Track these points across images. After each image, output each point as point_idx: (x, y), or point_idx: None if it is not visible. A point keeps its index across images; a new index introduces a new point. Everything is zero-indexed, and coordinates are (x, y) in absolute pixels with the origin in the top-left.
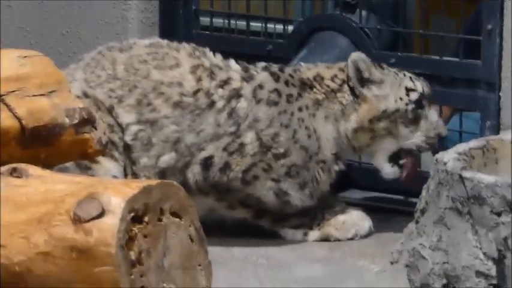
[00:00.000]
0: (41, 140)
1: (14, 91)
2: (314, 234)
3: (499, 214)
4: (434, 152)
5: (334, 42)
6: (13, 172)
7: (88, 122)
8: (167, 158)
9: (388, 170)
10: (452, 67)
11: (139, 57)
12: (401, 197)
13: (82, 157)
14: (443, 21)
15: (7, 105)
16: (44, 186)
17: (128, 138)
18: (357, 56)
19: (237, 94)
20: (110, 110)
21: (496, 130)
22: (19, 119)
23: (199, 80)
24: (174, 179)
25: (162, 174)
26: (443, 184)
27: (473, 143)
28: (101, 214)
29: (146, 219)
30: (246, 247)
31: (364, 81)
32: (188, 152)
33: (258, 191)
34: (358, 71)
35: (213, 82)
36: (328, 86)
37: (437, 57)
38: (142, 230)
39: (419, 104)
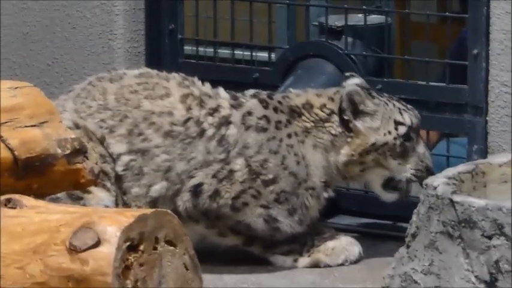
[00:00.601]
0: (34, 170)
1: (6, 122)
2: (304, 260)
3: (490, 237)
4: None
5: (321, 69)
6: (7, 203)
7: (80, 152)
8: (158, 187)
9: (386, 197)
10: (439, 92)
11: (130, 88)
12: (390, 222)
13: (74, 187)
14: (425, 47)
15: (0, 137)
16: (39, 217)
17: (119, 169)
18: (352, 88)
19: (226, 121)
20: (101, 141)
21: (483, 154)
22: (12, 150)
23: (189, 109)
24: (165, 207)
25: (153, 203)
26: (434, 208)
27: (462, 167)
28: (97, 243)
29: (142, 248)
30: (237, 274)
31: (358, 114)
32: (178, 179)
33: (247, 217)
34: (353, 104)
35: (202, 110)
36: (316, 115)
37: (424, 83)
38: (138, 259)
39: (407, 137)
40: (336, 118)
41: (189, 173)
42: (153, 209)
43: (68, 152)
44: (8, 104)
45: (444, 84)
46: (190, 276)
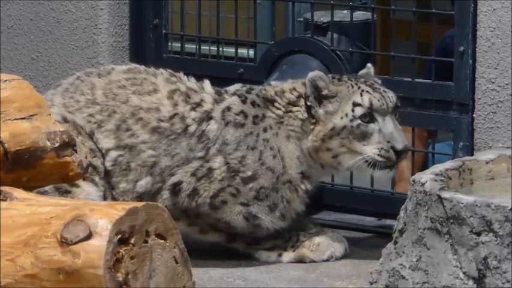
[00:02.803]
0: (23, 163)
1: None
2: (288, 255)
3: (478, 234)
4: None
5: (306, 65)
6: None
7: (69, 145)
8: (144, 183)
9: (377, 175)
10: (425, 89)
11: (118, 83)
12: (375, 218)
13: (63, 180)
14: (404, 44)
15: None
16: (29, 209)
17: (107, 164)
18: (315, 74)
19: (207, 116)
20: (91, 135)
21: (469, 151)
22: (2, 143)
23: (175, 104)
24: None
25: (140, 198)
26: (422, 205)
27: (449, 164)
28: (88, 236)
29: (132, 241)
30: (223, 268)
31: (321, 100)
32: (160, 176)
33: (227, 215)
34: (317, 89)
35: (187, 106)
36: (287, 99)
37: (410, 79)
38: (128, 252)
39: (367, 118)
40: (303, 102)
41: (171, 170)
42: (144, 203)
43: (56, 145)
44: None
45: (430, 81)
46: (180, 270)
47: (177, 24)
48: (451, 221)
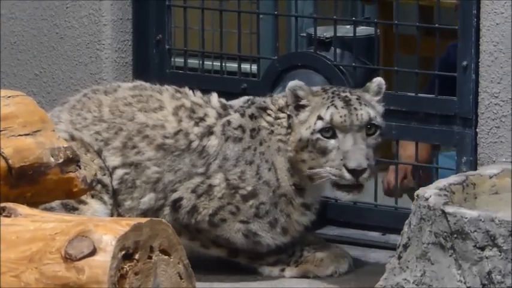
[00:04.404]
0: (27, 179)
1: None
2: (291, 270)
3: (482, 248)
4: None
5: (309, 80)
6: (2, 211)
7: (72, 161)
8: (147, 199)
9: (338, 195)
10: (428, 103)
11: (124, 100)
12: (379, 233)
13: (67, 196)
14: (407, 59)
15: None
16: (34, 225)
17: (114, 183)
18: (295, 83)
19: (209, 131)
20: (99, 153)
21: (472, 166)
22: (6, 159)
23: (180, 121)
24: None
25: (144, 215)
26: (426, 219)
27: (453, 179)
28: (93, 252)
29: (137, 256)
30: (227, 283)
31: (299, 109)
32: (163, 192)
33: (226, 233)
34: (297, 98)
35: (191, 122)
36: (278, 105)
37: (413, 94)
38: (133, 268)
39: (328, 133)
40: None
41: (173, 185)
42: (148, 218)
43: (60, 160)
44: (1, 112)
45: (433, 95)
46: (184, 286)
47: (180, 40)
48: (455, 235)
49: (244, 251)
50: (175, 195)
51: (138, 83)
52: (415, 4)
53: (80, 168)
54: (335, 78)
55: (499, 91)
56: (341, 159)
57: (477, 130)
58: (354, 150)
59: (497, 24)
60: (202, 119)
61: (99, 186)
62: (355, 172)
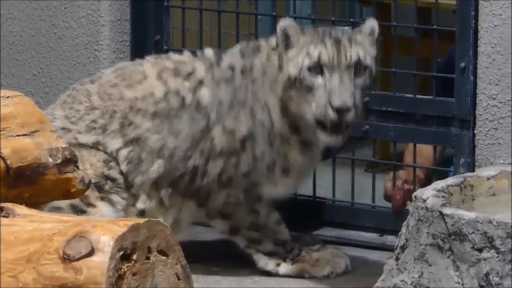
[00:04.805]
0: (25, 179)
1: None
2: (287, 267)
3: (480, 250)
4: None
5: None
6: (0, 212)
7: (70, 161)
8: (156, 167)
9: (321, 137)
10: (426, 105)
11: (110, 83)
12: (376, 234)
13: (65, 196)
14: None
15: None
16: (32, 225)
17: (122, 166)
18: (285, 22)
19: (200, 83)
20: (96, 146)
21: (470, 167)
22: (4, 159)
23: (165, 82)
24: (166, 188)
25: (155, 185)
26: (423, 221)
27: (451, 180)
28: (90, 253)
29: (135, 257)
30: (223, 284)
31: (288, 48)
32: (171, 158)
33: (232, 191)
34: (287, 37)
35: (178, 78)
36: (271, 44)
37: (411, 95)
38: (131, 268)
39: (315, 71)
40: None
41: (185, 152)
42: (146, 219)
43: (58, 161)
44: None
45: (431, 97)
46: (182, 286)
47: (178, 40)
48: (453, 237)
49: (245, 230)
50: (191, 162)
51: (120, 64)
52: (413, 6)
53: (78, 169)
54: None
55: (497, 93)
56: (327, 98)
57: (475, 132)
58: (340, 89)
59: (495, 25)
60: (191, 74)
61: (108, 185)
62: (339, 111)
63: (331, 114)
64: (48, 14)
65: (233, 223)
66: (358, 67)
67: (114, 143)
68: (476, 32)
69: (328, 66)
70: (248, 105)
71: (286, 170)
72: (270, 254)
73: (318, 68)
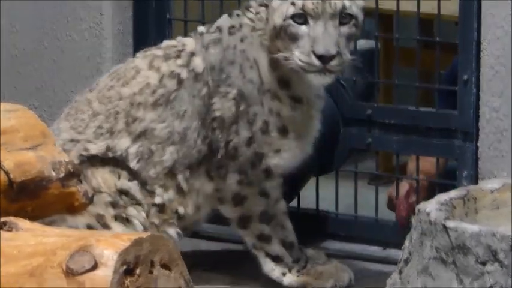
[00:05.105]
0: (28, 193)
1: (0, 145)
2: (292, 277)
3: (483, 263)
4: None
5: None
6: (3, 225)
7: (74, 175)
8: (168, 154)
9: (309, 79)
10: (429, 117)
11: (106, 87)
12: (380, 248)
13: (68, 210)
14: (406, 72)
15: None
16: (35, 239)
17: (133, 164)
18: None
19: (192, 55)
20: (106, 152)
21: (473, 180)
22: (7, 173)
23: (158, 69)
24: (182, 173)
25: (170, 173)
26: (427, 234)
27: (454, 193)
28: (94, 267)
29: (138, 271)
30: None
31: None
32: (184, 141)
33: (241, 164)
34: None
35: (169, 61)
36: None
37: (414, 108)
38: (134, 283)
39: (299, 19)
40: None
41: (192, 131)
42: (149, 233)
43: (62, 175)
44: (2, 126)
45: (434, 109)
46: None
47: None
48: (456, 250)
49: (256, 221)
50: (202, 139)
51: (114, 68)
52: (415, 17)
53: (81, 183)
54: (335, 91)
55: (500, 105)
56: (311, 46)
57: (478, 144)
58: (324, 37)
59: (498, 37)
60: (181, 51)
61: (122, 200)
62: (322, 58)
63: (315, 62)
64: (51, 27)
65: (244, 210)
66: (343, 16)
67: (123, 143)
68: (478, 43)
69: (312, 15)
70: (237, 64)
71: (282, 129)
72: (277, 259)
73: (302, 16)
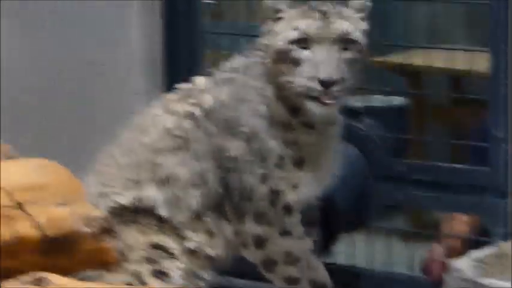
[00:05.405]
0: (61, 248)
1: (34, 200)
2: None
3: None
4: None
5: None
6: (37, 282)
7: (108, 231)
8: (193, 200)
9: (308, 106)
10: (461, 174)
11: (127, 139)
12: None
13: (102, 267)
14: (436, 129)
15: (28, 214)
16: None
17: (163, 212)
18: None
19: (201, 92)
20: (135, 203)
21: (506, 237)
22: (39, 228)
23: (173, 112)
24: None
25: (198, 217)
26: None
27: (488, 250)
28: None
29: None
30: None
31: (277, 21)
32: (206, 183)
33: (257, 205)
34: (276, 11)
35: (182, 102)
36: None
37: (446, 164)
38: None
39: (301, 44)
40: None
41: (211, 172)
42: None
43: (95, 230)
44: (35, 182)
45: (465, 166)
46: None
47: None
48: None
49: (281, 263)
50: (222, 180)
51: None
52: (445, 73)
53: (115, 239)
54: (366, 148)
55: None
56: (313, 71)
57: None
58: (326, 62)
59: None
60: (193, 89)
61: (156, 254)
62: (325, 83)
63: (317, 86)
64: (81, 85)
65: (267, 252)
66: (346, 41)
67: (149, 192)
68: (506, 99)
69: (315, 40)
70: (248, 102)
71: (298, 161)
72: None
73: (304, 41)
